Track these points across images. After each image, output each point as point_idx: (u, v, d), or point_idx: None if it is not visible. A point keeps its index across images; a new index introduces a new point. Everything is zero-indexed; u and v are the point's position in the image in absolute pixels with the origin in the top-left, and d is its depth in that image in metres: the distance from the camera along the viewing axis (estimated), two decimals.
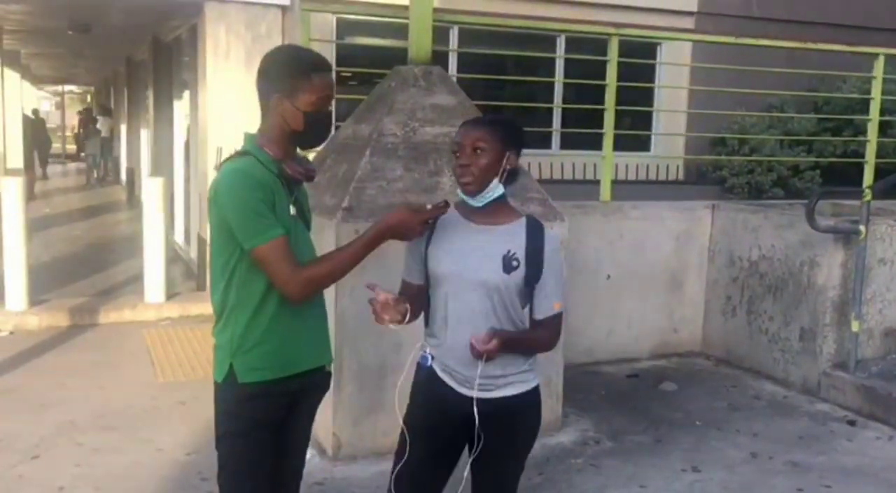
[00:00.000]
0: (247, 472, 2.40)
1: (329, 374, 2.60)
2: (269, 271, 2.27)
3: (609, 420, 4.99)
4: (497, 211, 2.50)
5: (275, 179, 2.33)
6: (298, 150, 2.48)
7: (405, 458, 2.51)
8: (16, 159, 13.78)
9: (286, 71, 2.35)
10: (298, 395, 2.47)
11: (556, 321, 2.53)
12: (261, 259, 2.26)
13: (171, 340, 6.49)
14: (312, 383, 2.52)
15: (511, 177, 2.52)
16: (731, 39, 6.73)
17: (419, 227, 2.40)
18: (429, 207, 2.42)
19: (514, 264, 2.43)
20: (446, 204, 2.46)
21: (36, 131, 20.54)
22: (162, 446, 4.41)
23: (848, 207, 6.33)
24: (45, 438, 4.46)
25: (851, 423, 5.08)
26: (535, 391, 2.56)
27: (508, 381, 2.48)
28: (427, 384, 2.54)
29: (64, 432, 4.56)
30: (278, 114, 2.35)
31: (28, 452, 4.28)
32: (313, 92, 2.34)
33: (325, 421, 4.22)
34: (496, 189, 2.46)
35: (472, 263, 2.43)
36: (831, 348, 5.53)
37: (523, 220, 2.53)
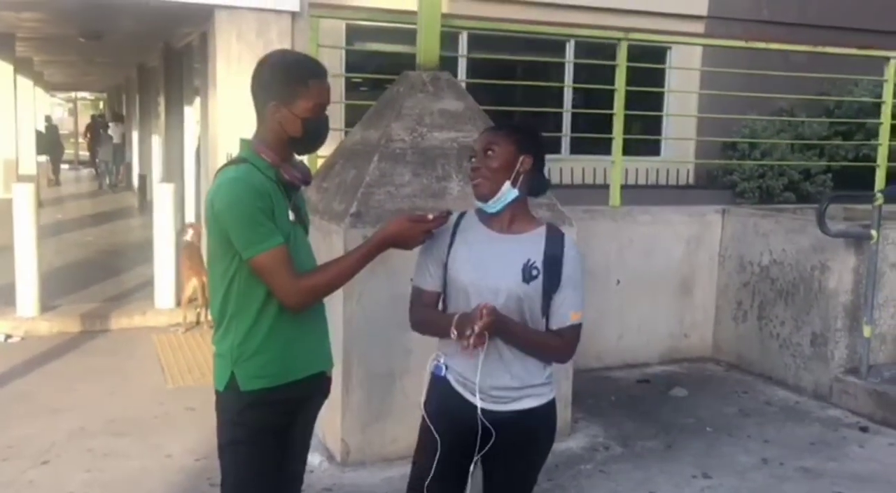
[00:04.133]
0: (251, 479, 2.40)
1: (329, 379, 2.60)
2: (269, 281, 2.27)
3: (619, 426, 4.97)
4: (517, 219, 2.47)
5: (273, 185, 2.32)
6: (296, 155, 2.47)
7: (423, 469, 2.49)
8: (29, 166, 13.87)
9: (283, 77, 2.33)
10: (300, 401, 2.47)
11: (571, 332, 2.46)
12: (260, 269, 2.25)
13: (180, 345, 6.51)
14: (313, 390, 2.51)
15: (537, 187, 2.50)
16: (741, 43, 6.72)
17: (420, 236, 2.40)
18: (430, 216, 2.41)
19: (534, 273, 2.39)
20: (448, 213, 2.44)
21: (49, 138, 20.68)
22: (171, 452, 4.42)
23: (860, 212, 6.29)
24: (55, 443, 4.48)
25: (863, 429, 5.04)
26: (551, 405, 2.52)
27: (525, 393, 2.45)
28: (442, 396, 2.50)
29: (74, 437, 4.58)
30: (275, 120, 2.33)
31: (38, 457, 4.29)
32: (310, 98, 2.32)
33: (334, 427, 4.22)
34: (509, 193, 2.43)
35: (493, 271, 2.40)
36: (843, 353, 5.49)
37: (543, 228, 2.50)
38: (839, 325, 5.46)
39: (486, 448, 2.45)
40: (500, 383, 2.42)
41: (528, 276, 2.39)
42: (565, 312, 2.44)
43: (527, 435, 2.48)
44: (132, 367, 5.96)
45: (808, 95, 9.40)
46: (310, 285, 2.31)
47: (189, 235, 7.13)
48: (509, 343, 2.40)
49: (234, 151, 2.50)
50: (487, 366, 2.40)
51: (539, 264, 2.41)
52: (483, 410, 2.42)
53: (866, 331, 5.35)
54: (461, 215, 2.55)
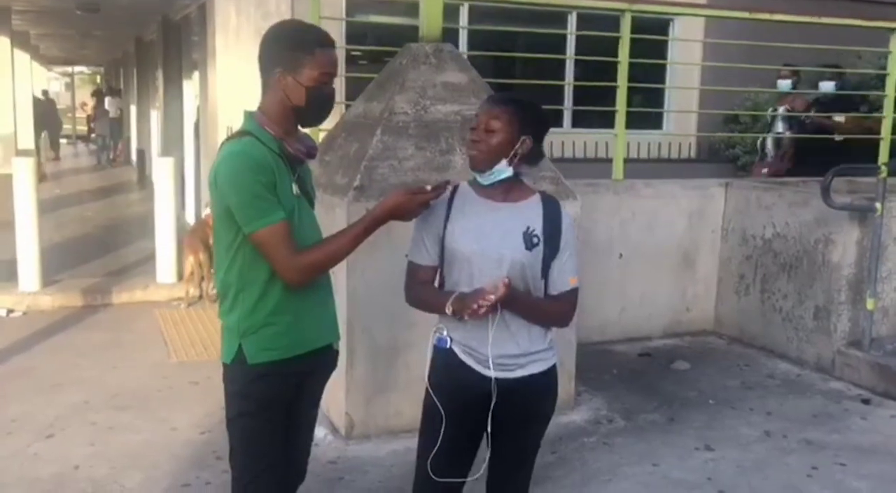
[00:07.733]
0: (259, 451, 2.40)
1: (336, 352, 2.61)
2: (269, 256, 2.27)
3: (622, 399, 4.98)
4: (513, 188, 2.50)
5: (276, 158, 2.30)
6: (300, 127, 2.45)
7: (430, 442, 2.50)
8: (27, 140, 13.85)
9: (289, 45, 2.32)
10: (307, 374, 2.47)
11: (571, 296, 2.52)
12: (260, 244, 2.25)
13: (183, 320, 6.51)
14: (320, 362, 2.52)
15: (531, 159, 2.50)
16: (745, 14, 6.63)
17: (419, 208, 2.40)
18: (428, 188, 2.41)
19: (535, 240, 2.43)
20: (447, 183, 2.45)
21: (46, 113, 20.53)
22: (176, 425, 4.43)
23: (863, 185, 6.26)
24: (59, 417, 4.49)
25: (866, 401, 5.05)
26: (553, 370, 2.57)
27: (530, 360, 2.49)
28: (448, 367, 2.52)
29: (78, 411, 4.59)
30: (280, 89, 2.32)
31: (43, 431, 4.31)
32: (316, 67, 2.31)
33: (338, 401, 4.23)
34: (503, 171, 2.44)
35: (494, 240, 2.43)
36: (846, 326, 5.49)
37: (538, 196, 2.53)
38: (842, 298, 5.46)
39: (495, 416, 2.48)
40: (506, 352, 2.45)
41: (529, 243, 2.42)
42: (565, 277, 2.49)
43: (532, 400, 2.53)
44: (134, 341, 5.96)
45: (811, 66, 9.32)
46: (309, 261, 2.30)
47: (205, 214, 7.17)
48: (515, 312, 2.43)
49: (234, 124, 2.48)
50: (495, 336, 2.42)
51: (539, 232, 2.44)
52: (490, 377, 2.45)
53: (869, 304, 5.35)
54: (455, 188, 2.56)
